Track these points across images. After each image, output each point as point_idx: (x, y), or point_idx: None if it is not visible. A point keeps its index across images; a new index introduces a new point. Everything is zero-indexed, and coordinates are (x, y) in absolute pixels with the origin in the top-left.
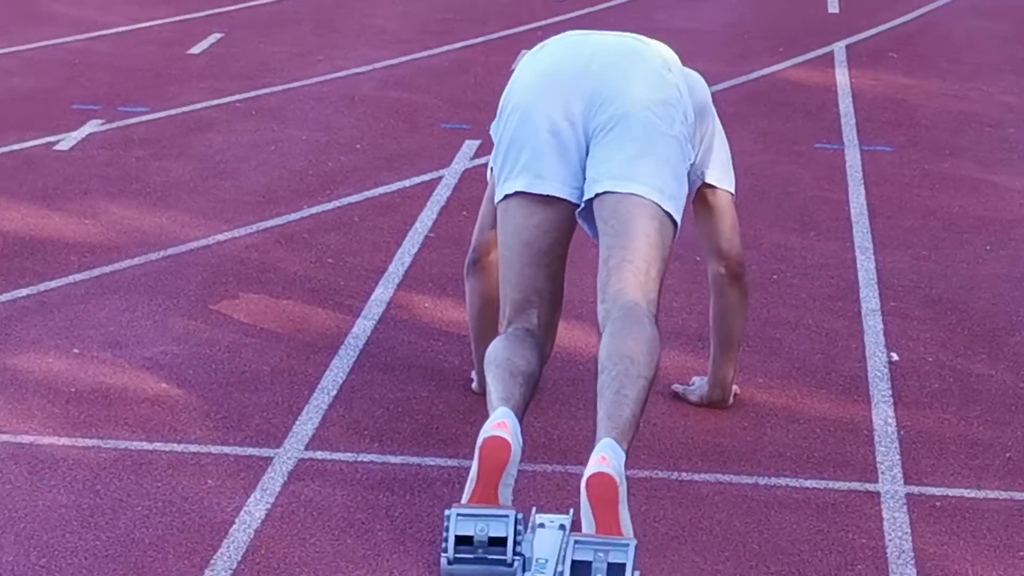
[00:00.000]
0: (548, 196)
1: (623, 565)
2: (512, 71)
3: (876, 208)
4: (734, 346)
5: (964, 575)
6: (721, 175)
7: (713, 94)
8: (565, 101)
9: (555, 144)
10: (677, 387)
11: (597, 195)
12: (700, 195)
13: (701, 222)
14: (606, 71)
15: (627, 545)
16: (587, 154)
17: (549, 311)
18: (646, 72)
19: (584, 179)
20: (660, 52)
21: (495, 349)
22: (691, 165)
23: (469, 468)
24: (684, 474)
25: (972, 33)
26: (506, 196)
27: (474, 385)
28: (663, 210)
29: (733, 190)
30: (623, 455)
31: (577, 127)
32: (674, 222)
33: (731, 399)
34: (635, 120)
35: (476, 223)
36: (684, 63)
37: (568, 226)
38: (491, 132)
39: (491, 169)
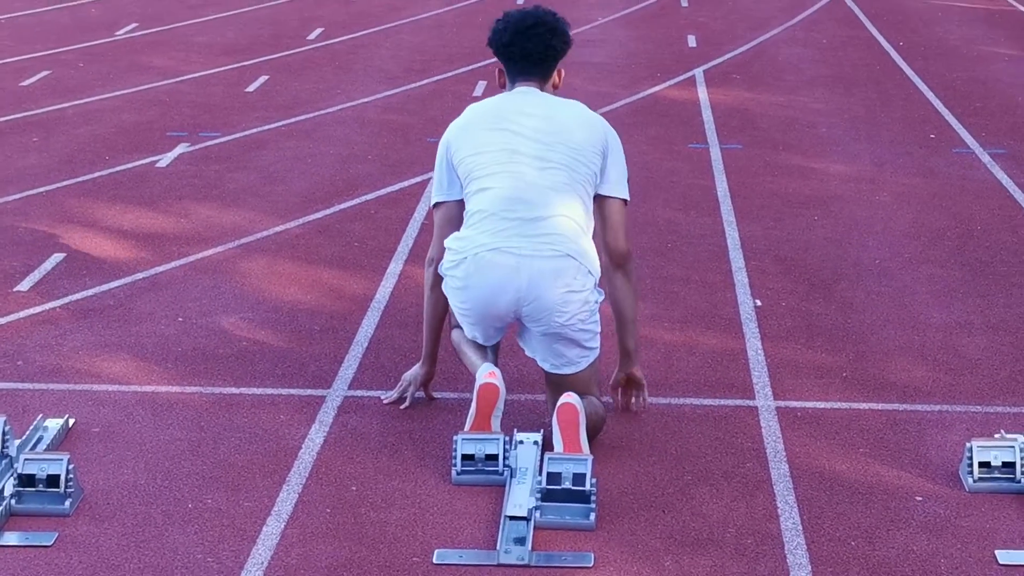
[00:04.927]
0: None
1: (584, 475)
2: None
3: (735, 191)
4: (627, 322)
5: (822, 467)
6: (614, 188)
7: (615, 109)
8: (501, 313)
9: (497, 326)
10: None
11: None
12: (596, 200)
13: (597, 219)
14: (534, 299)
15: (586, 460)
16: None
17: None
18: (561, 295)
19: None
20: (575, 262)
21: (463, 335)
22: (594, 183)
23: (469, 399)
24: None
25: (790, 58)
26: None
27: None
28: (584, 368)
29: (626, 197)
30: (582, 401)
31: (511, 318)
32: (594, 356)
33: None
34: (557, 331)
35: (433, 238)
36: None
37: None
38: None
39: (435, 204)
